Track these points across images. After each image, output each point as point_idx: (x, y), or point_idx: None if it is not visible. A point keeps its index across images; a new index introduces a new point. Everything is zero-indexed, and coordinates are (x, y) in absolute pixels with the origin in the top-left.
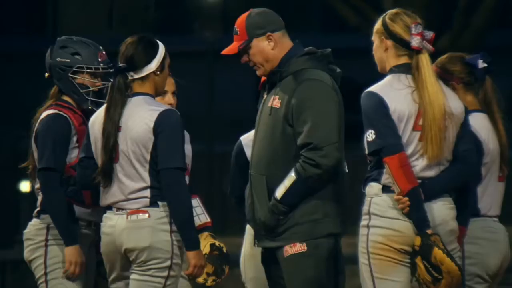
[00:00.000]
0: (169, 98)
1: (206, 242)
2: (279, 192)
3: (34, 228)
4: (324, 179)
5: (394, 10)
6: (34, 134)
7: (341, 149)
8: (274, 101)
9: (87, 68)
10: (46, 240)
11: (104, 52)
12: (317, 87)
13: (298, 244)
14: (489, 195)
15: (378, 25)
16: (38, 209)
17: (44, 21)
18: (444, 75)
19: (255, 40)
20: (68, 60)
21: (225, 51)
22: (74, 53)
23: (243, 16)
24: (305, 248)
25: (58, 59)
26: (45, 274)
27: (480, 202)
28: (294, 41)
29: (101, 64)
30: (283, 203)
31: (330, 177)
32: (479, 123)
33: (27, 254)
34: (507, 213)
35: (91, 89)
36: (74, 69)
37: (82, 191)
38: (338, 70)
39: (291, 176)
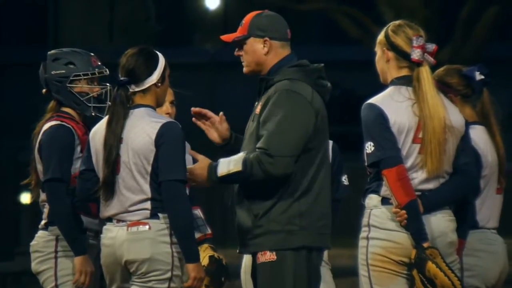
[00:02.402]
0: (167, 107)
1: (205, 254)
2: (221, 171)
3: (42, 240)
4: (266, 182)
5: (397, 22)
6: (37, 146)
7: (293, 164)
8: (258, 108)
9: (84, 75)
10: (56, 252)
11: (96, 58)
12: (291, 98)
13: (268, 253)
14: (487, 207)
15: (381, 36)
16: (45, 221)
17: (45, 32)
18: (442, 88)
19: (252, 38)
20: (64, 71)
21: (223, 36)
22: (67, 63)
23: (255, 12)
24: (274, 257)
25: (53, 72)
26: (56, 286)
27: (479, 214)
28: (290, 52)
29: (96, 69)
30: (220, 180)
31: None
32: (478, 135)
33: (35, 266)
34: (505, 225)
35: (91, 95)
36: (71, 78)
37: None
38: (329, 85)
39: (238, 165)
